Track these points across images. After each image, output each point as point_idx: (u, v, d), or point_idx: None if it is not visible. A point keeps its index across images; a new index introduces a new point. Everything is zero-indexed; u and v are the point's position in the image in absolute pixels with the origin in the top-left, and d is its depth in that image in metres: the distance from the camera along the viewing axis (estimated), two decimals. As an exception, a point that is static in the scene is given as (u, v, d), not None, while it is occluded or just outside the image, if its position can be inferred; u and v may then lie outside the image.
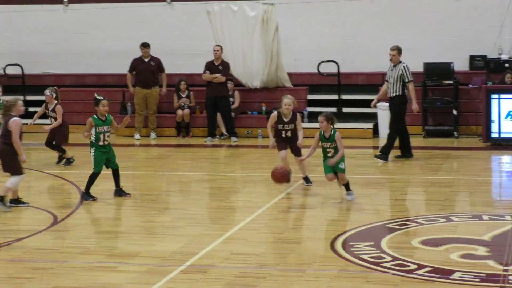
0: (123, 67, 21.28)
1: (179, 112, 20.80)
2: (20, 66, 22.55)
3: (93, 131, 13.46)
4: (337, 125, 20.22)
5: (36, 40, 22.74)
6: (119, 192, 13.78)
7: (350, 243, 10.64)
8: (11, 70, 22.56)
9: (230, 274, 9.48)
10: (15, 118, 12.64)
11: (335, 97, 21.15)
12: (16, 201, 13.07)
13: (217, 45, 20.45)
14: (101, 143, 13.50)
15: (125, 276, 9.56)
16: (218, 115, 20.36)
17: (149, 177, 16.16)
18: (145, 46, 20.75)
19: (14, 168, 12.81)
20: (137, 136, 20.82)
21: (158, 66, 20.87)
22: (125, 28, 22.41)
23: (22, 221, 12.48)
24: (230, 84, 20.77)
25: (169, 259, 10.20)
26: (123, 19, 22.53)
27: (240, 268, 9.77)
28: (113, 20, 22.55)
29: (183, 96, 20.97)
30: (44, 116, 17.19)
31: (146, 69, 20.76)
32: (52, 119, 16.80)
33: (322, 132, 12.85)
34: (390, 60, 16.62)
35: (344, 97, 21.09)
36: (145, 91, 20.75)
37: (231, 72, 20.93)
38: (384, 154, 16.69)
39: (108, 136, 13.57)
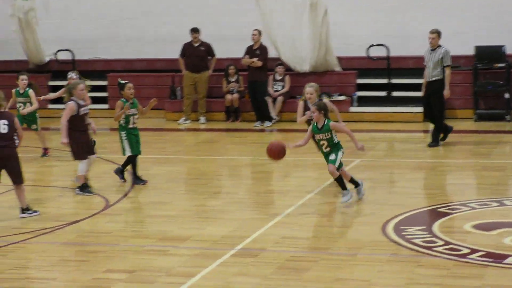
0: (172, 52, 21.37)
1: (228, 96, 20.84)
2: (71, 51, 22.74)
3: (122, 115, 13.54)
4: (387, 108, 20.41)
5: (86, 26, 22.91)
6: (136, 180, 13.76)
7: (401, 227, 10.59)
8: (62, 56, 22.77)
9: (281, 258, 9.51)
10: (70, 102, 12.79)
11: (384, 81, 21.03)
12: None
13: (255, 29, 20.41)
14: (130, 125, 13.59)
15: (176, 259, 9.64)
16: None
17: (199, 161, 16.23)
18: (194, 31, 20.81)
19: (77, 153, 12.99)
20: (181, 120, 20.90)
21: (207, 51, 20.92)
22: (174, 13, 22.46)
23: (75, 205, 12.63)
24: (280, 69, 20.77)
25: (220, 242, 10.26)
26: (172, 4, 22.57)
27: (291, 252, 9.78)
28: (163, 6, 22.62)
29: (232, 80, 21.01)
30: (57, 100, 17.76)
31: (195, 54, 20.83)
32: (26, 104, 16.35)
33: (315, 123, 11.84)
34: (430, 43, 16.45)
35: (394, 81, 20.95)
36: (194, 75, 20.82)
37: (280, 56, 20.93)
38: (434, 142, 16.52)
39: (136, 119, 13.65)
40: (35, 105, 16.14)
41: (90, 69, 22.65)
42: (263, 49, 20.35)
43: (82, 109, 12.91)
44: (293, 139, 18.62)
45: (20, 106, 16.12)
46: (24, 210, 11.68)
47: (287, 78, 20.97)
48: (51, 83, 22.60)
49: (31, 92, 16.14)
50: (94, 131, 13.52)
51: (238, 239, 10.30)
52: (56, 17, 22.94)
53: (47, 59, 22.98)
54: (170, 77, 21.98)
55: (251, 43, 20.48)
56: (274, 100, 20.59)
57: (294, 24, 20.91)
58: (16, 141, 11.68)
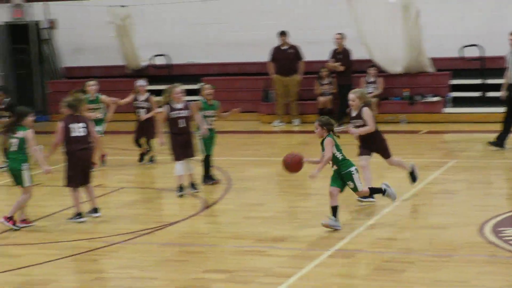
0: (264, 56, 21.48)
1: (321, 98, 20.86)
2: (167, 56, 23.07)
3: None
4: (482, 109, 20.11)
5: (181, 32, 23.21)
6: (207, 179, 13.96)
7: (499, 229, 10.44)
8: (158, 61, 23.12)
9: (377, 259, 9.49)
10: (165, 105, 13.09)
11: (478, 81, 20.74)
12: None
13: (338, 33, 20.35)
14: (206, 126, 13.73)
15: (274, 260, 9.70)
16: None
17: (293, 163, 16.24)
18: (282, 34, 20.86)
19: (173, 154, 13.29)
20: (275, 123, 20.99)
21: (296, 53, 20.95)
22: (265, 17, 22.57)
23: (174, 207, 12.83)
24: (373, 71, 20.69)
25: (317, 243, 10.29)
26: (262, 8, 22.70)
27: (387, 253, 9.75)
28: (255, 10, 22.75)
29: (324, 83, 21.00)
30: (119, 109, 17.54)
31: (285, 57, 20.88)
32: (142, 109, 16.23)
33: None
34: (510, 45, 16.12)
35: (490, 81, 20.64)
36: (284, 78, 20.88)
37: (373, 58, 20.86)
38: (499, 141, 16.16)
39: (212, 121, 13.74)
40: (113, 107, 15.83)
41: (185, 73, 22.97)
42: (345, 53, 20.30)
43: (175, 112, 13.17)
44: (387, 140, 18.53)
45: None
46: (94, 211, 11.96)
47: (379, 79, 20.86)
48: (149, 87, 22.92)
49: (103, 97, 15.80)
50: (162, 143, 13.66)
51: (334, 240, 10.32)
52: (151, 23, 23.29)
53: (143, 64, 23.35)
54: (263, 80, 22.10)
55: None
56: (368, 102, 20.51)
57: (387, 26, 20.81)
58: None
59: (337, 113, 20.20)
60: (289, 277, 8.98)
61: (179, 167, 13.21)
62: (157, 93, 22.84)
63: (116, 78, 23.11)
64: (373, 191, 11.52)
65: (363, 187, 11.24)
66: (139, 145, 16.20)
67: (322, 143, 10.94)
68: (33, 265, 9.86)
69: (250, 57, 22.70)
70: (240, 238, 10.75)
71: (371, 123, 11.93)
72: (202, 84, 14.21)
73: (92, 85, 15.64)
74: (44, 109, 23.72)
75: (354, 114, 12.06)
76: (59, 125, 11.69)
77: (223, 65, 23.22)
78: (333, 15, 22.00)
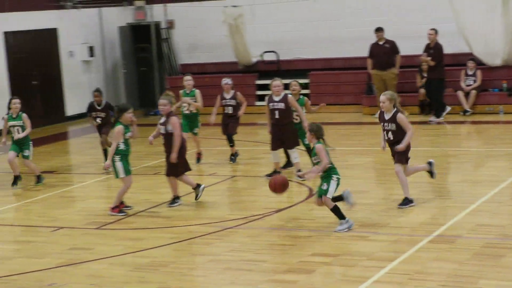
0: (367, 51, 21.26)
1: (422, 91, 20.51)
2: (276, 52, 23.12)
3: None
4: None
5: (289, 29, 23.19)
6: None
7: None
8: (268, 57, 23.19)
9: (476, 245, 9.29)
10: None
11: None
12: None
13: (431, 29, 19.89)
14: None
15: (376, 244, 9.62)
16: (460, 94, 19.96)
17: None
18: (378, 30, 20.57)
19: (270, 143, 13.39)
20: (377, 114, 20.71)
21: (392, 48, 20.62)
22: (368, 14, 22.30)
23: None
24: (472, 64, 20.23)
25: (418, 229, 10.15)
26: (366, 6, 22.43)
27: (486, 238, 9.54)
28: (358, 8, 22.52)
29: (426, 76, 20.63)
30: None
31: (381, 52, 20.58)
32: (229, 107, 15.33)
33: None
34: None
35: None
36: (381, 73, 20.58)
37: (472, 51, 20.39)
38: None
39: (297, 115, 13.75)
40: (200, 103, 15.18)
41: (293, 68, 22.96)
42: (437, 48, 19.85)
43: (272, 104, 13.45)
44: (486, 130, 18.13)
45: (184, 107, 15.31)
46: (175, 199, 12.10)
47: (478, 72, 20.37)
48: (258, 82, 23.09)
49: (197, 92, 15.26)
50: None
51: (434, 226, 10.15)
52: (261, 22, 23.34)
53: (254, 60, 23.45)
54: (366, 74, 21.87)
55: (445, 39, 20.03)
56: (467, 94, 20.09)
57: (486, 19, 20.26)
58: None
59: (434, 105, 19.86)
60: (391, 261, 8.89)
61: (272, 156, 13.48)
62: (266, 87, 22.99)
63: (228, 73, 23.21)
64: (335, 199, 10.47)
65: (331, 199, 10.32)
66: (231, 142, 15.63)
67: (312, 150, 10.56)
68: (154, 247, 10.04)
69: (354, 52, 22.47)
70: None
71: (409, 128, 11.22)
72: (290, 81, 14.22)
73: (188, 80, 15.42)
74: (163, 103, 24.10)
75: (387, 117, 11.33)
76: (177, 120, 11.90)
77: (328, 60, 23.08)
78: (433, 9, 21.55)
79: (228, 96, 15.30)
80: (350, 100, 22.00)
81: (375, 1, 22.39)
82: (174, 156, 11.74)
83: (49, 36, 22.60)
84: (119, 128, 11.59)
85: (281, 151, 13.96)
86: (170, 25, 24.50)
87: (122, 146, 11.61)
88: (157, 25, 24.35)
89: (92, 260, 9.67)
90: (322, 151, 10.31)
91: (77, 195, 13.83)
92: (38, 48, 22.29)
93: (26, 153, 14.12)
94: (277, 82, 13.53)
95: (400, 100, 11.61)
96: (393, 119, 11.23)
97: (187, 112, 15.25)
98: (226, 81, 15.37)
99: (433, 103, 19.95)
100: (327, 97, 21.97)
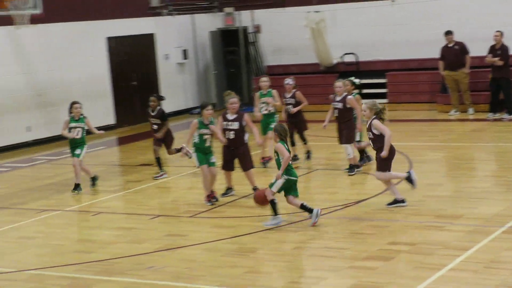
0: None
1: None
2: (355, 54, 22.95)
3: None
4: None
5: (368, 32, 22.98)
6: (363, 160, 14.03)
7: None
8: (347, 58, 23.03)
9: (549, 236, 9.06)
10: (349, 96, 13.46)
11: None
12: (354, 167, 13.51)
13: (497, 31, 19.38)
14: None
15: (452, 234, 9.47)
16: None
17: (468, 148, 15.76)
18: (447, 33, 20.20)
19: (351, 137, 13.38)
20: (452, 112, 20.39)
21: (461, 49, 20.20)
22: (439, 18, 21.92)
23: (362, 186, 12.75)
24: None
25: (491, 220, 9.94)
26: (441, 11, 22.06)
27: (558, 230, 9.29)
28: (433, 12, 22.15)
29: (492, 76, 20.14)
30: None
31: (451, 54, 20.20)
32: (290, 106, 14.66)
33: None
34: None
35: None
36: (453, 73, 20.18)
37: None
38: None
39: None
40: (279, 102, 14.53)
41: (371, 69, 22.77)
42: (503, 49, 19.35)
43: (333, 103, 13.45)
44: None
45: (262, 107, 14.47)
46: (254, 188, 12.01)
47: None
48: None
49: (274, 92, 14.51)
50: None
51: (508, 217, 9.93)
52: (342, 25, 23.20)
53: (335, 61, 23.32)
54: (440, 74, 21.52)
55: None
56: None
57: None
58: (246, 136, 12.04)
59: (506, 103, 19.39)
60: (467, 250, 8.74)
61: (351, 149, 13.41)
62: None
63: (311, 74, 23.18)
64: (304, 208, 10.35)
65: (274, 193, 10.25)
66: (293, 143, 14.81)
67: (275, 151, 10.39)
68: (243, 235, 10.10)
69: (429, 53, 22.11)
70: (421, 214, 10.55)
71: (386, 133, 10.71)
72: (355, 80, 14.23)
73: (264, 81, 14.66)
74: (250, 101, 24.20)
75: (367, 125, 10.99)
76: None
77: (405, 61, 22.76)
78: (502, 13, 21.05)
79: (288, 95, 14.69)
80: (425, 98, 21.69)
81: (448, 6, 21.99)
82: (260, 141, 11.98)
83: (147, 41, 22.95)
84: (194, 122, 11.76)
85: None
86: (257, 29, 24.58)
87: (196, 139, 11.80)
88: (245, 29, 24.46)
89: (187, 246, 9.79)
90: (282, 148, 10.22)
91: (173, 186, 14.00)
92: (137, 52, 22.66)
93: (77, 151, 13.50)
94: (338, 83, 13.46)
95: (385, 110, 11.13)
96: (369, 127, 10.92)
97: (265, 112, 14.48)
98: (288, 81, 14.82)
99: (506, 100, 19.50)
100: (403, 96, 21.83)
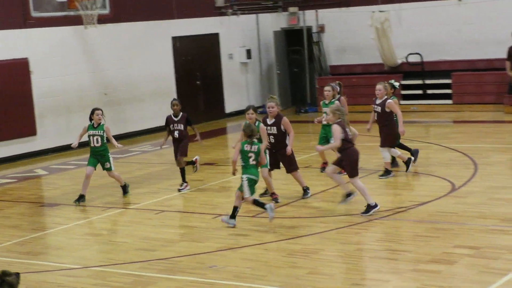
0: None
1: None
2: (420, 54, 22.65)
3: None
4: None
5: (433, 32, 22.66)
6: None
7: None
8: (412, 58, 22.75)
9: None
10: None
11: None
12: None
13: None
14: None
15: (518, 239, 9.26)
16: None
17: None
18: None
19: (387, 141, 13.23)
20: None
21: (529, 49, 19.77)
22: (506, 17, 21.46)
23: (426, 188, 12.56)
24: None
25: (559, 225, 9.69)
26: (506, 9, 21.61)
27: None
28: (500, 11, 21.72)
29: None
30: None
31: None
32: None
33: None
34: None
35: None
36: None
37: None
38: None
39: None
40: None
41: (436, 69, 22.47)
42: None
43: (373, 106, 13.30)
44: None
45: (323, 117, 13.64)
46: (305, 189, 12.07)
47: None
48: (403, 82, 22.68)
49: (337, 103, 13.14)
50: None
51: None
52: (407, 25, 22.93)
53: (399, 61, 23.07)
54: (509, 75, 21.10)
55: None
56: None
57: None
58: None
59: None
60: (536, 257, 8.53)
61: (387, 152, 13.30)
62: (410, 87, 22.60)
63: (374, 74, 22.96)
64: (257, 203, 10.63)
65: (249, 196, 10.59)
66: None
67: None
68: (305, 235, 10.06)
69: (497, 54, 21.69)
70: (486, 217, 10.35)
71: (337, 140, 10.75)
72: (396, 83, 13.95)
73: (326, 90, 13.77)
74: (313, 101, 24.11)
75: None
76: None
77: (471, 61, 22.38)
78: None
79: (327, 102, 13.76)
80: (491, 99, 21.29)
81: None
82: (289, 149, 11.77)
83: (211, 40, 23.07)
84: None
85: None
86: (321, 29, 24.47)
87: (241, 161, 11.68)
88: (309, 29, 24.38)
89: (249, 246, 9.79)
90: (237, 149, 10.63)
91: (235, 185, 13.98)
92: (201, 51, 22.79)
93: (107, 165, 13.07)
94: (379, 86, 13.29)
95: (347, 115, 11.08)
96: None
97: (325, 122, 13.56)
98: (326, 88, 13.98)
99: None
100: (468, 97, 21.46)
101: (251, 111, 11.85)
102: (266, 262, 9.09)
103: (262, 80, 24.75)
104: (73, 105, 19.13)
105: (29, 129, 18.16)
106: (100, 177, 14.89)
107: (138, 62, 20.74)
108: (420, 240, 9.54)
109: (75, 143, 13.33)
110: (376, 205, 10.81)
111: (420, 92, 22.48)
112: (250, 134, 10.61)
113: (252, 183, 10.60)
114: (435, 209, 10.99)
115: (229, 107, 23.57)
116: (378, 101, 13.26)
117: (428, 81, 22.43)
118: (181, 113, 13.47)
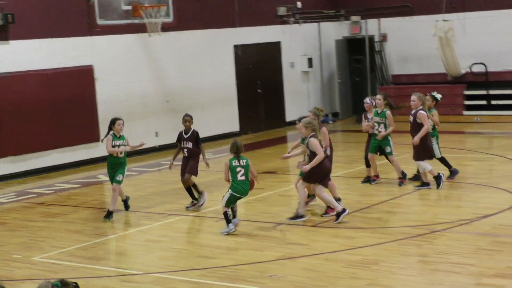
0: None
1: None
2: (484, 64, 22.31)
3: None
4: None
5: (498, 41, 22.31)
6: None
7: None
8: (476, 68, 22.43)
9: None
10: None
11: None
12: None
13: None
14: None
15: None
16: None
17: None
18: None
19: (421, 154, 13.04)
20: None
21: None
22: None
23: (489, 200, 12.34)
24: None
25: None
26: None
27: None
28: None
29: None
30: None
31: None
32: (381, 124, 13.53)
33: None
34: None
35: None
36: None
37: None
38: None
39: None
40: (391, 128, 13.46)
41: (501, 80, 22.11)
42: None
43: (410, 116, 13.14)
44: None
45: (375, 127, 13.59)
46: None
47: None
48: (466, 92, 22.39)
49: (388, 113, 13.43)
50: None
51: None
52: (471, 35, 22.63)
53: (463, 71, 22.77)
54: None
55: None
56: None
57: None
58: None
59: None
60: None
61: (425, 164, 13.09)
62: (474, 98, 22.26)
63: (438, 84, 22.71)
64: (225, 216, 11.13)
65: (224, 206, 11.07)
66: (368, 164, 13.89)
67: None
68: (365, 246, 9.98)
69: None
70: (552, 232, 10.11)
71: (320, 153, 11.08)
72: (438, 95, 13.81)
73: (378, 99, 13.60)
74: (374, 110, 23.96)
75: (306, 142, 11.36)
76: None
77: (541, 72, 21.99)
78: None
79: (370, 115, 13.69)
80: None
81: None
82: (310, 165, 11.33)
83: (273, 49, 23.13)
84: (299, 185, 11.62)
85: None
86: (383, 38, 24.32)
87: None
88: (371, 38, 24.25)
89: (308, 255, 9.76)
90: (226, 168, 10.96)
91: (295, 194, 13.99)
92: (262, 60, 22.87)
93: (120, 178, 12.53)
94: (413, 97, 13.11)
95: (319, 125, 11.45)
96: (307, 145, 11.24)
97: (376, 131, 13.53)
98: (366, 100, 13.86)
99: None
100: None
101: (297, 122, 11.76)
102: (326, 272, 9.04)
103: (323, 89, 24.70)
104: (136, 112, 19.38)
105: (92, 135, 18.46)
106: (161, 183, 15.05)
107: (200, 70, 20.91)
108: (484, 254, 9.36)
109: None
110: (302, 216, 11.30)
111: (484, 102, 22.13)
112: (235, 151, 10.94)
113: (233, 200, 11.05)
114: (498, 222, 10.79)
115: (289, 116, 23.57)
116: (412, 112, 13.08)
117: (492, 92, 22.07)
118: (191, 130, 12.86)
